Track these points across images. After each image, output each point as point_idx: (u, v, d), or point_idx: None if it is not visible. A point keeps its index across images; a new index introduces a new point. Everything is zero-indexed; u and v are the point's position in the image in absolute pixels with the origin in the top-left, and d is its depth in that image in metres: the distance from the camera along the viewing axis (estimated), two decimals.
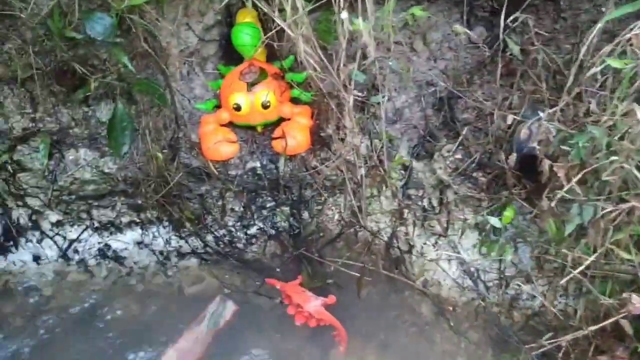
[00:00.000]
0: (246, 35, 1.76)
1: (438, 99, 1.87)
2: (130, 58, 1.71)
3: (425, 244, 1.88)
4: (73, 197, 1.89)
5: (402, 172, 1.87)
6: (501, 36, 1.62)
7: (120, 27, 1.67)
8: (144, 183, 1.80)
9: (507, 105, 1.69)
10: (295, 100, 1.90)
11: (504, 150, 1.65)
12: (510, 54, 1.69)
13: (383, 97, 1.78)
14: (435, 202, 1.84)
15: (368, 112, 1.85)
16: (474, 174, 1.75)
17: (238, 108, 1.77)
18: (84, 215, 1.97)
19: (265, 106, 1.77)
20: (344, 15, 1.45)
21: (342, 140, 1.88)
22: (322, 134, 1.86)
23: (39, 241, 2.01)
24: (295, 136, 1.80)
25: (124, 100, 1.83)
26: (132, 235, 2.01)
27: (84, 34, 1.61)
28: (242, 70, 1.81)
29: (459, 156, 1.78)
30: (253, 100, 1.78)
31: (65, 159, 1.81)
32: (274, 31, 1.62)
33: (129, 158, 1.80)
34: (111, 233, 2.01)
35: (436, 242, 1.86)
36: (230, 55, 1.99)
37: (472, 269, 1.81)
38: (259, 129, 1.89)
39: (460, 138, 1.77)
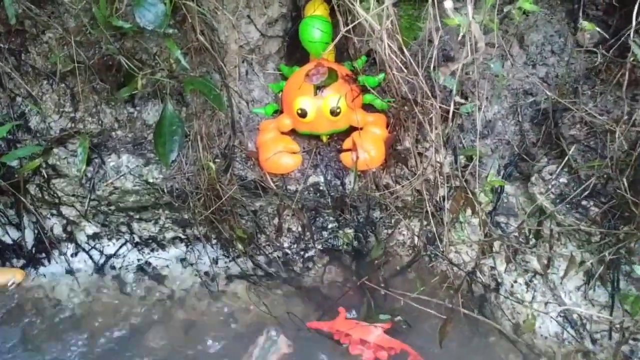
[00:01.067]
0: (317, 30, 1.52)
1: (538, 111, 1.59)
2: (183, 52, 1.49)
3: (515, 281, 1.59)
4: (112, 208, 1.68)
5: (491, 195, 1.59)
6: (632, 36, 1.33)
7: (174, 16, 1.45)
8: (192, 196, 1.57)
9: (630, 121, 1.40)
10: (366, 108, 1.65)
11: (627, 175, 1.36)
12: (634, 60, 1.40)
13: (474, 106, 1.51)
14: (530, 233, 1.55)
15: (454, 124, 1.58)
16: (584, 203, 1.46)
17: (303, 114, 1.53)
18: (124, 229, 1.76)
19: (334, 113, 1.53)
20: (449, 4, 1.19)
21: (422, 155, 1.62)
22: (398, 148, 1.60)
23: (74, 254, 1.80)
24: (368, 149, 1.54)
25: (174, 102, 1.62)
26: (175, 252, 1.79)
27: (132, 23, 1.41)
28: (308, 71, 1.57)
29: (563, 180, 1.49)
30: (320, 105, 1.53)
31: (106, 165, 1.60)
32: (351, 25, 1.37)
33: (176, 167, 1.58)
34: (152, 249, 1.79)
35: (530, 281, 1.57)
36: (293, 54, 1.75)
37: (576, 317, 1.51)
38: (325, 138, 1.64)
39: (566, 158, 1.48)
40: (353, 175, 1.54)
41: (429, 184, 1.60)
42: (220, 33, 1.55)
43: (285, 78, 1.69)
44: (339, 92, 1.53)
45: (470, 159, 1.60)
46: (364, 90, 1.63)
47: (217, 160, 1.56)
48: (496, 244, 1.59)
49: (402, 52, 1.38)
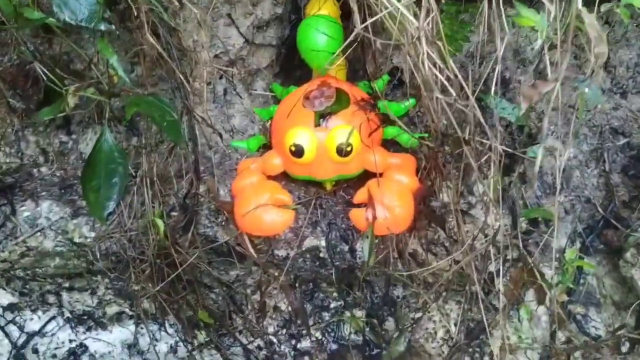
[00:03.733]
0: (320, 34, 1.06)
1: (632, 157, 1.12)
2: (130, 60, 1.05)
3: None
4: (30, 273, 1.21)
5: (566, 275, 1.11)
6: None
7: (115, 7, 1.01)
8: (135, 265, 1.10)
9: None
10: (388, 145, 1.19)
11: None
12: None
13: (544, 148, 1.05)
14: (627, 342, 1.07)
15: (513, 172, 1.11)
16: None
17: (298, 152, 1.07)
18: (52, 299, 1.28)
19: (342, 152, 1.06)
20: None
21: (466, 214, 1.15)
22: (432, 203, 1.13)
23: None
24: (391, 205, 1.06)
25: (120, 129, 1.17)
26: (120, 334, 1.30)
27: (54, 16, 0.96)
28: (309, 93, 1.12)
29: None
30: (323, 140, 1.07)
31: (17, 215, 1.13)
32: (371, 20, 0.91)
33: (115, 221, 1.11)
34: (89, 328, 1.30)
35: None
36: (292, 71, 1.30)
37: None
38: (329, 186, 1.17)
39: None
40: (367, 243, 1.06)
41: (475, 254, 1.12)
42: (185, 35, 1.10)
43: (278, 101, 1.24)
44: (351, 123, 1.07)
45: (534, 222, 1.13)
46: (386, 121, 1.16)
47: (173, 213, 1.10)
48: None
49: (447, 66, 0.92)
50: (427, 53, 0.85)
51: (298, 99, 1.12)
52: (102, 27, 0.93)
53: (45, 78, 1.01)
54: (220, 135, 1.15)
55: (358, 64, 1.29)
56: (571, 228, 1.13)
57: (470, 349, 1.21)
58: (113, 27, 0.94)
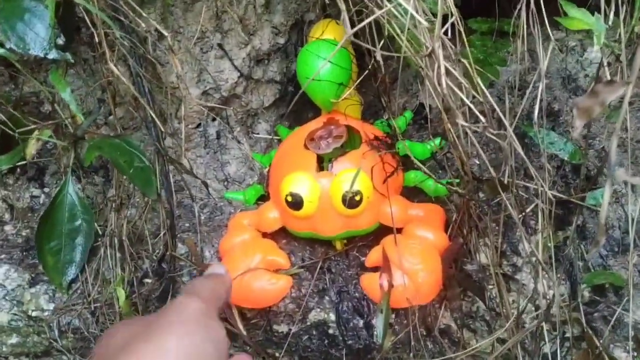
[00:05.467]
0: (321, 61, 0.88)
1: None
2: (99, 98, 0.89)
3: None
4: None
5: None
6: None
7: (77, 32, 0.86)
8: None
9: None
10: (410, 194, 0.98)
11: None
12: None
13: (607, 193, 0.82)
14: None
15: (569, 226, 0.87)
16: None
17: (296, 203, 0.86)
18: None
19: (350, 202, 0.85)
20: None
21: (510, 279, 0.91)
22: (466, 267, 0.90)
23: None
24: (412, 269, 0.84)
25: (94, 180, 1.00)
26: None
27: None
28: (314, 132, 0.93)
29: None
30: (327, 188, 0.87)
31: None
32: (362, 23, 0.72)
33: (79, 291, 0.92)
34: None
35: None
36: (302, 112, 1.13)
37: None
38: (339, 245, 0.96)
39: None
40: (381, 319, 0.82)
41: (525, 333, 0.87)
42: (167, 69, 0.94)
43: None
44: (362, 167, 0.85)
45: (600, 290, 0.88)
46: (408, 165, 0.96)
47: (146, 280, 0.90)
48: None
49: (476, 89, 0.71)
50: (446, 68, 0.64)
51: (299, 139, 0.94)
52: (52, 56, 0.77)
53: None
54: (206, 185, 0.97)
55: (379, 104, 1.11)
56: None
57: None
58: (68, 55, 0.78)
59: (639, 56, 0.42)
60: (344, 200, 0.85)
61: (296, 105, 1.16)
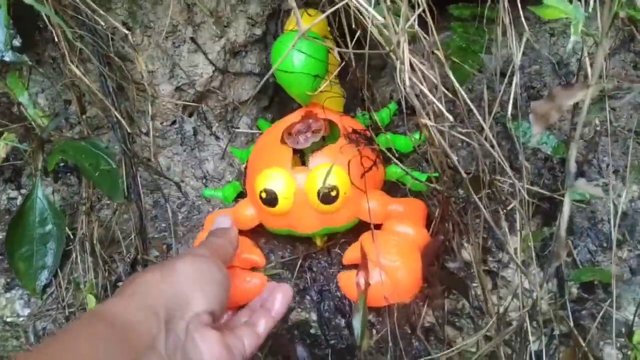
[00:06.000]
0: (295, 52, 0.84)
1: None
2: (64, 98, 0.86)
3: None
4: None
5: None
6: None
7: (36, 33, 0.83)
8: None
9: None
10: (392, 190, 0.94)
11: None
12: None
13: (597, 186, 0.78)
14: None
15: (553, 221, 0.84)
16: None
17: (270, 199, 0.83)
18: None
19: (325, 198, 0.82)
20: None
21: (495, 276, 0.88)
22: (449, 264, 0.87)
23: None
24: (390, 266, 0.81)
25: (71, 181, 0.98)
26: None
27: None
28: (291, 126, 0.90)
29: None
30: (302, 184, 0.84)
31: None
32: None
33: (54, 295, 0.91)
34: None
35: None
36: (287, 104, 1.10)
37: None
38: (319, 241, 0.93)
39: None
40: (358, 318, 0.79)
41: (508, 332, 0.84)
42: (137, 65, 0.91)
43: None
44: (338, 161, 0.83)
45: (589, 287, 0.85)
46: (389, 159, 0.92)
47: (120, 284, 0.88)
48: None
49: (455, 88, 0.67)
50: (413, 63, 0.60)
51: (275, 134, 0.91)
52: (8, 58, 0.74)
53: None
54: (179, 186, 0.94)
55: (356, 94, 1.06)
56: None
57: None
58: (25, 57, 0.76)
59: (600, 57, 0.38)
60: (321, 196, 0.82)
61: (279, 97, 1.13)
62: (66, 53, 0.74)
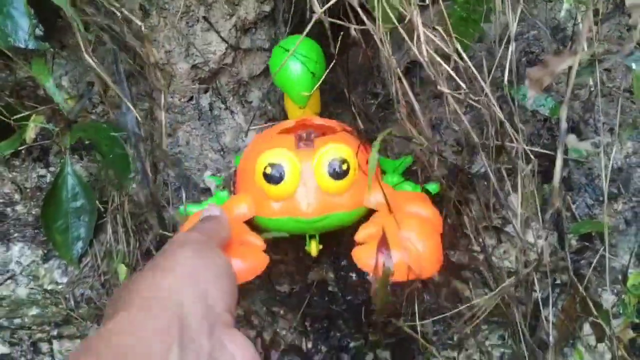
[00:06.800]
0: (297, 60, 0.86)
1: None
2: (88, 80, 0.92)
3: None
4: (16, 322, 1.10)
5: (631, 306, 0.88)
6: None
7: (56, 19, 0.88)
8: None
9: None
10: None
11: None
12: None
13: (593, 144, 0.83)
14: None
15: (559, 179, 0.89)
16: None
17: (275, 177, 0.79)
18: (44, 348, 1.17)
19: (336, 172, 0.79)
20: None
21: (501, 232, 0.94)
22: (462, 232, 0.93)
23: None
24: (412, 240, 0.75)
25: (89, 157, 1.04)
26: None
27: None
28: (290, 130, 0.89)
29: None
30: (309, 163, 0.80)
31: None
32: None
33: (90, 264, 0.98)
34: None
35: None
36: None
37: None
38: (314, 249, 0.85)
39: None
40: (378, 294, 0.74)
41: (515, 283, 0.91)
42: (156, 46, 0.96)
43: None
44: (344, 142, 0.83)
45: (588, 238, 0.91)
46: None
47: (153, 253, 0.95)
48: None
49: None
50: (425, 34, 0.65)
51: (268, 138, 0.88)
52: (32, 46, 0.79)
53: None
54: (175, 163, 0.98)
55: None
56: (635, 242, 0.90)
57: None
58: (47, 45, 0.81)
59: (586, 26, 0.43)
60: (331, 171, 0.79)
61: None
62: (81, 44, 0.79)
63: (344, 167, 0.80)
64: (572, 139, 0.46)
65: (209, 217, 0.67)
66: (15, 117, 0.86)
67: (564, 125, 0.47)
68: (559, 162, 0.48)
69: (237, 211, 0.82)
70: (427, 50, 0.70)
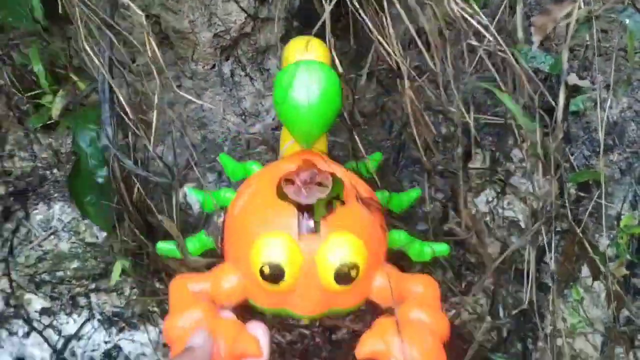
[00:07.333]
0: (313, 83, 0.72)
1: None
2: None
3: None
4: (56, 276, 1.19)
5: (625, 247, 0.96)
6: None
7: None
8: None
9: None
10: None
11: None
12: None
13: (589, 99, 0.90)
14: None
15: (556, 131, 0.97)
16: None
17: (275, 275, 0.68)
18: (82, 301, 1.26)
19: (344, 277, 0.68)
20: None
21: (504, 184, 1.02)
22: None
23: (26, 335, 1.33)
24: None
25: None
26: (151, 333, 1.27)
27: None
28: (290, 174, 0.71)
29: None
30: (312, 256, 0.68)
31: (30, 219, 1.11)
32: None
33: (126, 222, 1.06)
34: (121, 329, 1.28)
35: None
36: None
37: None
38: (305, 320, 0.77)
39: None
40: None
41: (529, 235, 0.98)
42: (179, 17, 1.03)
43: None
44: (353, 229, 0.71)
45: (586, 187, 0.98)
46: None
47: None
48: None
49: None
50: None
51: (267, 185, 0.74)
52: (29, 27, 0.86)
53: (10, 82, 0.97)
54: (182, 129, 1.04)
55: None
56: (629, 191, 0.97)
57: (522, 334, 1.08)
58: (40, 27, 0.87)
59: None
60: (338, 277, 0.68)
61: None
62: (79, 29, 0.84)
63: (353, 273, 0.68)
64: (573, 77, 0.52)
65: (191, 350, 0.63)
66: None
67: (565, 62, 0.53)
68: (562, 96, 0.55)
69: (228, 283, 0.73)
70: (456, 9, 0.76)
